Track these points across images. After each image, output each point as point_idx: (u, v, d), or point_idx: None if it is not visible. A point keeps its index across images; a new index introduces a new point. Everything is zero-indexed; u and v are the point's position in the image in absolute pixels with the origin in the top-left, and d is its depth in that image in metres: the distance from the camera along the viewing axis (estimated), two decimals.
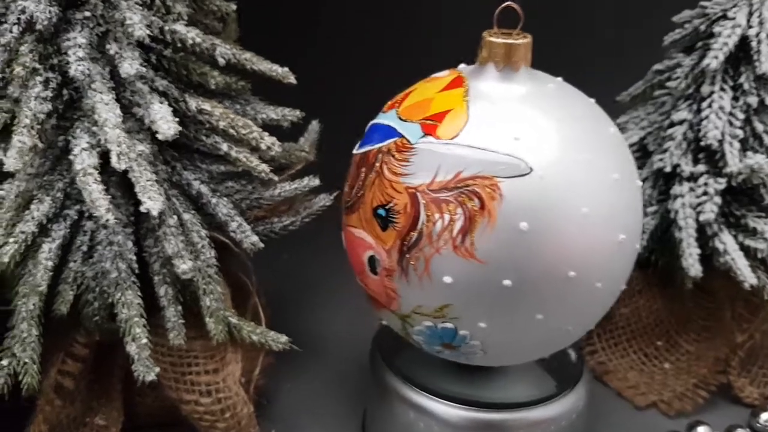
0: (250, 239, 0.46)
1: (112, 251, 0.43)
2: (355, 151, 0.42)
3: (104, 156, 0.42)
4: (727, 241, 0.49)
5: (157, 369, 0.43)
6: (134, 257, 0.44)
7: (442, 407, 0.45)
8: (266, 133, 0.45)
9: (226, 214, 0.46)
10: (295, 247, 0.52)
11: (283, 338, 0.47)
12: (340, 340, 0.57)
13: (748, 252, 0.49)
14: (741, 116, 0.49)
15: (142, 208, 0.40)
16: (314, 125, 0.53)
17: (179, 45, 0.43)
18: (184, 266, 0.43)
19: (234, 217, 0.46)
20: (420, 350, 0.46)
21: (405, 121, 0.39)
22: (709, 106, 0.50)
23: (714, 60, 0.48)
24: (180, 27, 0.43)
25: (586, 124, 0.38)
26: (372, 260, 0.40)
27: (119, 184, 0.45)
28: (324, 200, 0.50)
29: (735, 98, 0.50)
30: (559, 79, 0.41)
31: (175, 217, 0.44)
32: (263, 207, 0.49)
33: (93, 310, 0.44)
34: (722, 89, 0.49)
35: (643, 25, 0.66)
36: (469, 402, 0.44)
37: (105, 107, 0.41)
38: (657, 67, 0.54)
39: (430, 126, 0.38)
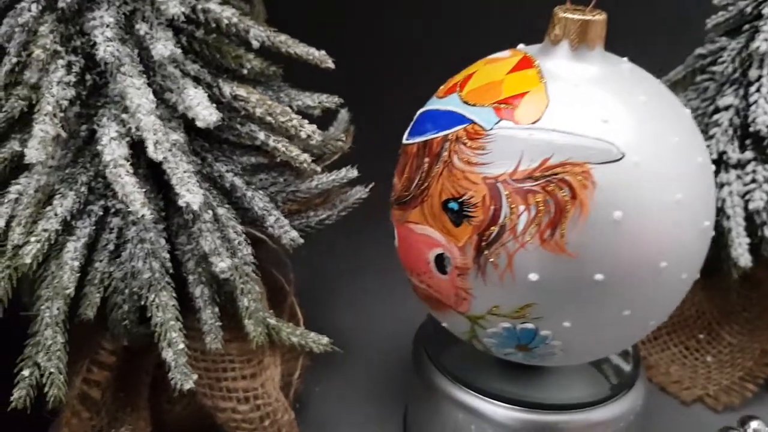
0: (290, 234, 0.43)
1: (144, 249, 0.40)
2: (406, 141, 0.40)
3: (132, 146, 0.39)
4: None
5: (195, 376, 0.40)
6: (168, 255, 0.41)
7: (494, 408, 0.43)
8: (306, 121, 0.42)
9: (262, 208, 0.43)
10: (326, 239, 0.49)
11: (324, 339, 0.44)
12: (377, 337, 0.55)
13: None
14: None
15: (181, 202, 0.37)
16: (343, 113, 0.50)
17: (213, 25, 0.40)
18: (222, 264, 0.40)
19: (271, 211, 0.43)
20: (468, 347, 0.44)
21: (472, 105, 0.36)
22: (758, 90, 0.48)
23: (764, 43, 0.47)
24: (214, 5, 0.40)
25: (668, 107, 0.36)
26: (440, 259, 0.37)
27: (147, 176, 0.42)
28: (360, 192, 0.48)
29: None
30: (626, 59, 0.39)
31: (210, 212, 0.41)
32: (298, 200, 0.46)
33: (122, 313, 0.41)
34: None
35: (680, 8, 0.64)
36: (524, 403, 0.42)
37: (137, 92, 0.37)
38: (699, 51, 0.52)
39: (505, 110, 0.35)
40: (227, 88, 0.41)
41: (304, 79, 0.46)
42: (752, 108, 0.48)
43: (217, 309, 0.42)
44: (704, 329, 0.54)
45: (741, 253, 0.48)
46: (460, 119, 0.36)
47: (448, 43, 0.54)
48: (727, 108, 0.49)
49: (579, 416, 0.42)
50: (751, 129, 0.48)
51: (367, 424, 0.49)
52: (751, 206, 0.48)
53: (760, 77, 0.48)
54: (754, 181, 0.48)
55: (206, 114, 0.37)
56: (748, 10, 0.49)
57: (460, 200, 0.35)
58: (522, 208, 0.34)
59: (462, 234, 0.35)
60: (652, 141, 0.34)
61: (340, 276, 0.61)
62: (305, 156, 0.41)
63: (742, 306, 0.53)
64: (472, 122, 0.35)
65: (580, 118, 0.34)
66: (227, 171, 0.43)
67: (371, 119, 0.48)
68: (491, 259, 0.35)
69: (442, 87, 0.40)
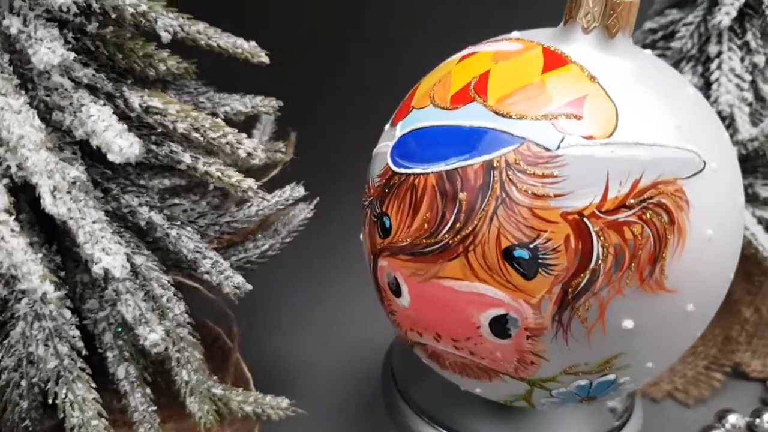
0: (233, 281, 0.34)
1: (43, 329, 0.29)
2: (401, 169, 0.30)
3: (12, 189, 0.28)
4: (745, 215, 0.45)
5: None
6: (77, 333, 0.30)
7: None
8: (244, 135, 0.32)
9: (193, 250, 0.34)
10: (265, 267, 0.40)
11: (284, 402, 0.36)
12: (337, 373, 0.46)
13: (760, 224, 0.46)
14: (748, 77, 0.45)
15: (96, 269, 0.27)
16: (267, 117, 0.41)
17: (112, 16, 0.29)
18: (153, 336, 0.30)
19: (206, 253, 0.34)
20: (446, 383, 0.38)
21: (515, 118, 0.28)
22: (719, 67, 0.45)
23: (726, 16, 0.43)
24: None
25: (703, 101, 0.31)
26: (500, 321, 0.29)
27: (31, 223, 0.31)
28: (304, 212, 0.39)
29: (741, 58, 0.45)
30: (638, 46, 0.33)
31: (127, 265, 0.31)
32: (234, 232, 0.36)
33: (20, 412, 0.30)
34: (730, 48, 0.45)
35: None
36: None
37: (15, 117, 0.26)
38: (649, 25, 0.48)
39: (568, 122, 0.27)
40: (135, 99, 0.31)
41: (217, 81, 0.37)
42: (713, 87, 0.45)
43: (148, 390, 0.32)
44: None
45: None
46: (505, 139, 0.28)
47: (396, 29, 0.45)
48: None
49: None
50: (714, 109, 0.45)
51: None
52: None
53: (719, 53, 0.45)
54: None
55: (123, 145, 0.27)
56: None
57: (533, 246, 0.27)
58: (618, 245, 0.27)
59: (537, 288, 0.28)
60: (716, 142, 0.30)
61: (285, 305, 0.52)
62: (250, 182, 0.32)
63: None
64: (525, 141, 0.27)
65: (655, 125, 0.28)
66: (140, 205, 0.33)
67: (306, 122, 0.39)
68: (579, 314, 0.28)
69: (438, 93, 0.31)
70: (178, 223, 0.34)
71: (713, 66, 0.45)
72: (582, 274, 0.27)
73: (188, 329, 0.33)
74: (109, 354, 0.32)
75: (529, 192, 0.27)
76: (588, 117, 0.27)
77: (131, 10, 0.29)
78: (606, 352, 0.29)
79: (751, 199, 0.47)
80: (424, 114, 0.31)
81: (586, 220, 0.27)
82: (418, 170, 0.29)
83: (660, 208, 0.27)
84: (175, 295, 0.33)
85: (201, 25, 0.33)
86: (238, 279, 0.34)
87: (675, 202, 0.27)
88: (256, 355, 0.39)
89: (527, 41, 0.31)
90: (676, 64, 0.47)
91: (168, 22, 0.32)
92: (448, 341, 0.31)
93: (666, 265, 0.27)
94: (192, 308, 0.36)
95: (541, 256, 0.27)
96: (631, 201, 0.27)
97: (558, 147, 0.27)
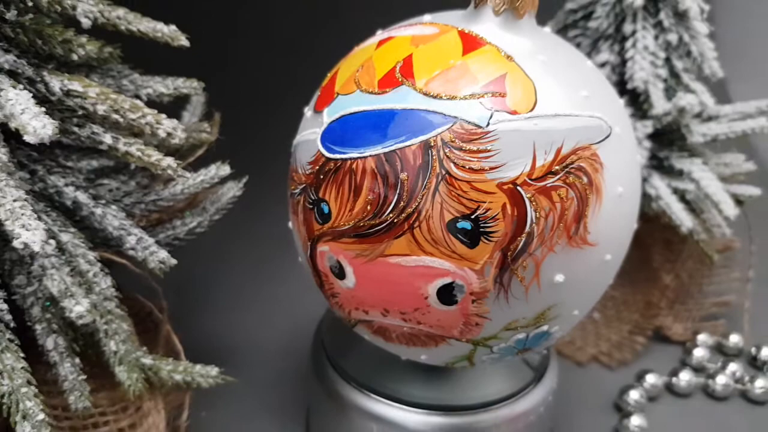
0: (158, 256, 0.35)
1: None
2: (334, 155, 0.31)
3: None
4: (659, 186, 0.48)
5: None
6: (5, 306, 0.32)
7: (408, 415, 0.39)
8: (163, 116, 0.34)
9: (118, 227, 0.35)
10: (192, 242, 0.41)
11: (213, 371, 0.38)
12: (267, 345, 0.48)
13: (675, 194, 0.49)
14: (662, 55, 0.48)
15: (17, 244, 0.28)
16: (197, 97, 0.43)
17: (30, 3, 0.31)
18: (78, 308, 0.32)
19: (130, 230, 0.35)
20: (372, 348, 0.40)
21: (445, 99, 0.30)
22: (633, 45, 0.47)
23: None
24: None
25: (599, 73, 0.35)
26: (447, 289, 0.31)
27: None
28: (233, 190, 0.41)
29: (655, 37, 0.48)
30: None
31: (53, 241, 0.33)
32: (161, 210, 0.38)
33: None
34: (644, 27, 0.47)
35: None
36: (440, 406, 0.39)
37: None
38: (570, 6, 0.50)
39: (493, 100, 0.30)
40: (56, 83, 0.32)
41: (148, 66, 0.38)
42: (628, 64, 0.47)
43: (77, 359, 0.34)
44: None
45: None
46: (439, 119, 0.29)
47: (315, 15, 0.47)
48: (602, 65, 0.48)
49: (500, 412, 0.40)
50: (628, 86, 0.47)
51: None
52: None
53: (634, 32, 0.47)
54: None
55: (37, 126, 0.28)
56: None
57: (474, 216, 0.29)
58: (548, 208, 0.30)
59: (480, 255, 0.30)
60: (616, 108, 0.33)
61: (217, 283, 0.54)
62: (169, 160, 0.33)
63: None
64: (457, 120, 0.29)
65: (567, 97, 0.30)
66: (66, 185, 0.35)
67: (233, 103, 0.41)
68: (517, 273, 0.30)
69: (363, 78, 0.32)
70: (104, 201, 0.35)
71: (628, 44, 0.47)
72: (519, 238, 0.30)
73: (115, 302, 0.34)
74: (37, 327, 0.33)
75: (467, 167, 0.29)
76: (510, 94, 0.30)
77: None
78: (541, 305, 0.32)
79: (667, 171, 0.49)
80: (351, 99, 0.32)
81: (519, 188, 0.29)
82: (354, 155, 0.31)
83: (580, 171, 0.30)
84: (101, 270, 0.34)
85: (121, 11, 0.35)
86: (163, 254, 0.35)
87: (592, 165, 0.30)
88: (190, 333, 0.41)
89: (441, 24, 0.33)
90: (594, 43, 0.49)
91: (87, 9, 0.33)
92: (395, 315, 0.33)
93: (588, 222, 0.31)
94: (124, 285, 0.37)
95: (482, 225, 0.30)
96: (556, 167, 0.30)
97: (488, 124, 0.29)
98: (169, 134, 0.34)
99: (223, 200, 0.40)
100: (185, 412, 0.38)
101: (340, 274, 0.33)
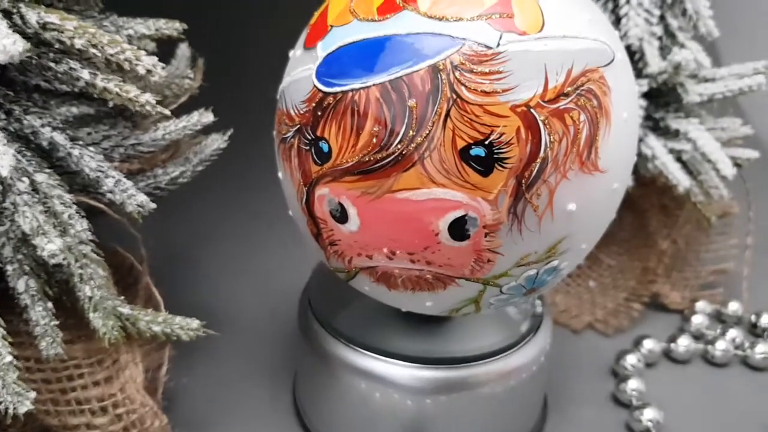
0: (137, 199, 0.34)
1: None
2: (332, 88, 0.29)
3: None
4: (654, 146, 0.47)
5: (33, 393, 0.31)
6: None
7: (400, 370, 0.38)
8: (143, 52, 0.33)
9: (96, 169, 0.34)
10: (178, 201, 0.40)
11: (195, 323, 0.36)
12: (253, 307, 0.46)
13: (671, 153, 0.48)
14: (657, 12, 0.47)
15: None
16: (184, 48, 0.41)
17: None
18: (50, 246, 0.30)
19: (108, 172, 0.34)
20: (361, 305, 0.38)
21: (451, 21, 0.29)
22: (627, 2, 0.46)
23: None
24: None
25: (592, 1, 0.34)
26: (459, 223, 0.30)
27: None
28: (217, 141, 0.39)
29: None
30: None
31: (26, 179, 0.31)
32: (142, 156, 0.37)
33: None
34: None
35: None
36: (432, 359, 0.38)
37: None
38: None
39: (501, 21, 0.29)
40: (32, 15, 0.31)
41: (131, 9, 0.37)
42: (622, 21, 0.46)
43: (50, 304, 0.32)
44: None
45: None
46: (446, 41, 0.28)
47: None
48: None
49: (492, 366, 0.38)
50: (624, 43, 0.46)
51: (256, 408, 0.42)
52: None
53: None
54: None
55: (7, 43, 0.27)
56: None
57: (488, 142, 0.28)
58: (561, 131, 0.29)
59: (494, 184, 0.29)
60: (614, 36, 0.32)
61: (201, 242, 0.52)
62: (147, 96, 0.32)
63: (617, 226, 0.53)
64: (466, 42, 0.28)
65: (572, 20, 0.30)
66: (43, 125, 0.33)
67: (219, 52, 0.40)
68: (532, 202, 0.29)
69: (338, 9, 0.31)
70: (81, 143, 0.34)
71: (622, 1, 0.46)
72: (533, 164, 0.29)
73: (91, 246, 0.33)
74: (9, 267, 0.32)
75: (479, 90, 0.28)
76: (518, 15, 0.29)
77: None
78: (553, 237, 0.31)
79: (664, 131, 0.48)
80: (349, 29, 0.30)
81: (533, 110, 0.28)
82: (356, 85, 0.29)
83: (590, 94, 0.29)
84: (77, 212, 0.33)
85: None
86: (142, 197, 0.34)
87: (600, 88, 0.30)
88: (172, 294, 0.39)
89: None
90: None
91: None
92: (403, 257, 0.31)
93: (599, 147, 0.30)
94: (106, 237, 0.36)
95: (496, 151, 0.28)
96: (568, 89, 0.29)
97: (498, 44, 0.28)
98: (148, 71, 0.32)
99: (206, 151, 0.39)
100: (164, 366, 0.36)
101: (342, 217, 0.31)
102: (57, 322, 0.32)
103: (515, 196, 0.29)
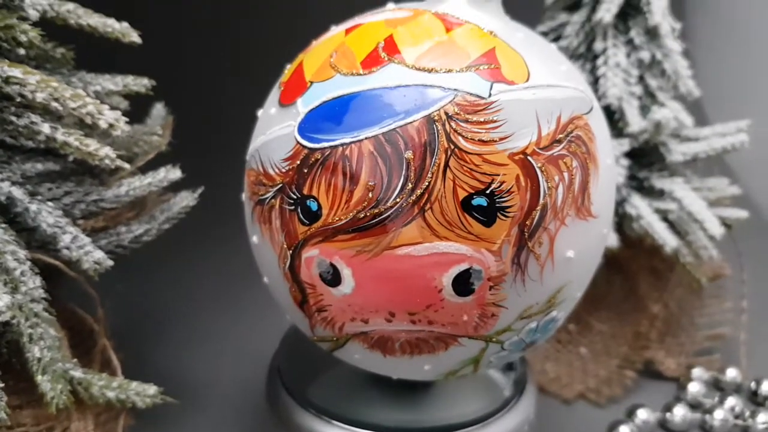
0: (93, 256, 0.33)
1: None
2: (333, 143, 0.28)
3: None
4: (639, 205, 0.46)
5: None
6: None
7: None
8: (106, 106, 0.32)
9: (53, 225, 0.33)
10: (144, 263, 0.39)
11: (152, 389, 0.34)
12: (220, 379, 0.44)
13: (656, 213, 0.46)
14: (635, 73, 0.47)
15: None
16: (159, 108, 0.41)
17: None
18: None
19: (65, 228, 0.33)
20: (335, 373, 0.37)
21: (440, 72, 0.28)
22: (605, 63, 0.46)
23: (607, 13, 0.45)
24: None
25: (562, 53, 0.34)
26: (464, 277, 0.28)
27: None
28: (186, 199, 0.38)
29: (627, 54, 0.47)
30: None
31: None
32: (104, 213, 0.36)
33: None
34: (615, 45, 0.46)
35: None
36: (412, 429, 0.36)
37: None
38: (541, 28, 0.49)
39: (490, 71, 0.29)
40: None
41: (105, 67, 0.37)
42: (600, 81, 0.46)
43: None
44: (573, 319, 0.51)
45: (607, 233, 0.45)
46: (438, 92, 0.28)
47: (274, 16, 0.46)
48: None
49: None
50: (602, 103, 0.46)
51: None
52: None
53: (605, 49, 0.46)
54: None
55: None
56: None
57: (489, 191, 0.28)
58: (557, 178, 0.29)
59: (497, 233, 0.28)
60: (587, 85, 0.32)
61: (166, 305, 0.50)
62: (107, 149, 0.32)
63: (606, 291, 0.51)
64: (458, 92, 0.28)
65: (552, 70, 0.30)
66: (2, 180, 0.33)
67: (191, 109, 0.40)
68: (534, 250, 0.29)
69: (315, 65, 0.30)
70: (40, 198, 0.33)
71: (600, 61, 0.46)
72: (534, 211, 0.28)
73: (43, 305, 0.32)
74: None
75: (476, 139, 0.28)
76: (504, 65, 0.29)
77: None
78: (553, 286, 0.30)
79: (648, 191, 0.47)
80: (332, 84, 0.30)
81: (530, 158, 0.28)
82: (347, 139, 0.28)
83: (579, 140, 0.30)
84: (31, 269, 0.32)
85: (71, 5, 0.34)
86: (99, 254, 0.33)
87: (587, 135, 0.30)
88: (135, 359, 0.38)
89: (412, 9, 0.32)
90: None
91: (36, 1, 0.32)
92: (402, 318, 0.30)
93: (591, 193, 0.30)
94: (66, 297, 0.35)
95: (498, 200, 0.28)
96: (560, 136, 0.29)
97: (490, 94, 0.28)
98: (111, 125, 0.32)
99: (174, 209, 0.38)
100: None
101: (334, 279, 0.29)
102: (2, 384, 0.30)
103: (518, 245, 0.28)
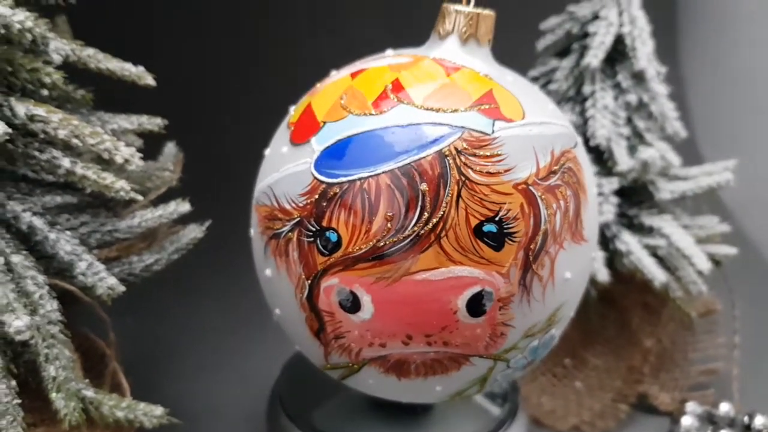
0: (107, 282, 0.35)
1: None
2: (351, 177, 0.31)
3: None
4: (629, 241, 0.47)
5: None
6: None
7: None
8: (122, 143, 0.35)
9: (70, 252, 0.35)
10: (155, 293, 0.41)
11: (159, 410, 0.36)
12: (226, 405, 0.46)
13: (646, 248, 0.48)
14: (623, 114, 0.49)
15: None
16: (171, 147, 0.44)
17: (1, 32, 0.33)
18: (18, 323, 0.31)
19: (82, 256, 0.35)
20: (336, 400, 0.38)
21: (447, 112, 0.31)
22: (593, 105, 0.49)
23: (594, 58, 0.48)
24: (4, 9, 0.33)
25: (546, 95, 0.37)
26: (477, 299, 0.31)
27: None
28: (194, 231, 0.41)
29: (614, 97, 0.49)
30: None
31: (1, 258, 0.33)
32: (118, 243, 0.38)
33: None
34: (602, 88, 0.49)
35: (510, 35, 0.65)
36: None
37: None
38: (532, 73, 0.52)
39: (491, 111, 0.32)
40: (21, 108, 0.34)
41: (122, 107, 0.40)
42: (589, 122, 0.49)
43: (14, 383, 0.33)
44: (569, 354, 0.52)
45: (598, 268, 0.47)
46: (447, 130, 0.31)
47: (280, 61, 0.49)
48: None
49: None
50: (591, 144, 0.48)
51: None
52: (600, 219, 0.48)
53: (593, 92, 0.49)
54: (600, 194, 0.48)
55: None
56: (575, 30, 0.50)
57: (498, 218, 0.30)
58: (555, 206, 0.32)
59: (505, 257, 0.31)
60: (563, 120, 0.35)
61: (173, 339, 0.52)
62: (122, 183, 0.34)
63: (600, 326, 0.52)
64: (465, 129, 0.31)
65: (542, 109, 0.34)
66: (24, 210, 0.35)
67: (200, 148, 0.42)
68: (538, 273, 0.32)
69: (326, 107, 0.33)
70: (59, 228, 0.36)
71: (588, 104, 0.49)
72: (537, 236, 0.31)
73: (59, 327, 0.34)
74: None
75: (484, 171, 0.31)
76: (502, 105, 0.32)
77: (18, 26, 0.33)
78: (553, 305, 0.33)
79: (638, 228, 0.49)
80: (346, 124, 0.32)
81: (531, 188, 0.31)
82: (364, 174, 0.30)
83: (571, 171, 0.33)
84: (49, 293, 0.34)
85: (91, 50, 0.37)
86: (112, 281, 0.35)
87: (576, 166, 0.33)
88: (143, 385, 0.39)
89: (412, 54, 0.35)
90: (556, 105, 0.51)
91: (60, 46, 0.35)
92: (419, 340, 0.32)
93: (582, 218, 0.33)
94: (76, 323, 0.37)
95: (505, 226, 0.31)
96: (555, 168, 0.32)
97: (492, 131, 0.31)
98: (126, 160, 0.35)
99: (182, 240, 0.40)
100: None
101: (353, 306, 0.31)
102: (19, 401, 0.32)
103: (524, 268, 0.31)
